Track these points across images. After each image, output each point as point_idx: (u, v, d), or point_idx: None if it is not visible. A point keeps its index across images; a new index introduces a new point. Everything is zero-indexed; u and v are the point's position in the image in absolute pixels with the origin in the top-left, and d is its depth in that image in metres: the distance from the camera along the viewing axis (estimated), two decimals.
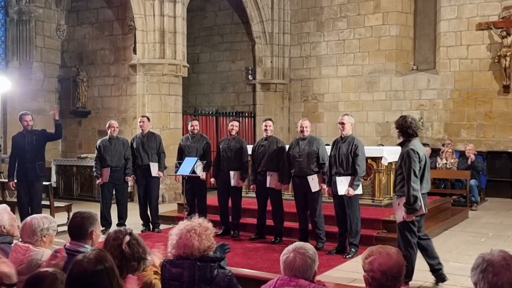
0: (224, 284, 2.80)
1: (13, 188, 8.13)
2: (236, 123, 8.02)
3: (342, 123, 6.71)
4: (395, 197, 5.97)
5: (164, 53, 11.31)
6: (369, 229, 7.31)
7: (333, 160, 6.76)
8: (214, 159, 8.22)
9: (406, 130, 5.36)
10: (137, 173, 8.52)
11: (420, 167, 5.24)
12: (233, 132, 7.92)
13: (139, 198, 8.59)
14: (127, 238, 2.92)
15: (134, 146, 8.52)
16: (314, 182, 6.99)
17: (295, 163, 7.13)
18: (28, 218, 3.53)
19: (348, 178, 6.62)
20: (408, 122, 5.36)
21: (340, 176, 6.64)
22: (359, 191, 6.74)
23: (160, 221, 8.61)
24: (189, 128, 8.39)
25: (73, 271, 2.28)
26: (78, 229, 3.23)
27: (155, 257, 3.26)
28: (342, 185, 6.60)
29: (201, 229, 2.88)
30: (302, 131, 7.14)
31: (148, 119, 8.78)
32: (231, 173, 7.77)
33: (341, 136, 6.77)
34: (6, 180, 9.52)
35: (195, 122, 8.39)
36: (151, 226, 8.47)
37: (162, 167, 8.52)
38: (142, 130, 8.54)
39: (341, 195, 6.64)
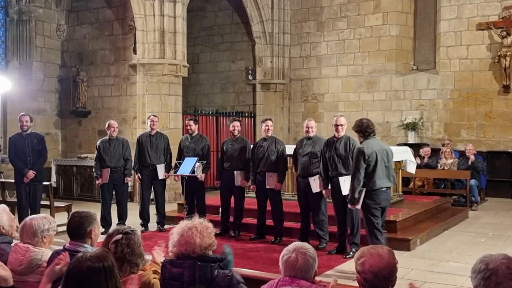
0: (224, 285, 2.80)
1: (33, 175, 7.83)
2: (237, 123, 7.96)
3: (341, 125, 6.65)
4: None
5: (164, 53, 11.30)
6: None
7: (331, 162, 6.69)
8: (218, 161, 8.15)
9: (365, 130, 5.85)
10: (143, 173, 8.46)
11: (368, 164, 5.72)
12: (236, 133, 7.88)
13: (143, 197, 8.54)
14: (118, 236, 2.91)
15: (142, 145, 8.43)
16: (315, 183, 6.96)
17: (299, 163, 7.14)
18: (28, 219, 3.50)
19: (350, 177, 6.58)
20: (365, 123, 5.89)
21: (342, 176, 6.61)
22: None
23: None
24: (186, 128, 8.38)
25: (72, 267, 2.30)
26: (77, 228, 3.23)
27: (157, 255, 3.29)
28: (345, 184, 6.55)
29: (202, 227, 2.91)
30: (307, 132, 7.12)
31: (157, 118, 8.71)
32: (235, 172, 7.73)
33: (334, 136, 6.74)
34: (6, 180, 9.56)
35: (191, 122, 8.34)
36: (149, 226, 8.44)
37: (168, 168, 8.49)
38: (152, 129, 8.49)
39: (340, 195, 6.59)
